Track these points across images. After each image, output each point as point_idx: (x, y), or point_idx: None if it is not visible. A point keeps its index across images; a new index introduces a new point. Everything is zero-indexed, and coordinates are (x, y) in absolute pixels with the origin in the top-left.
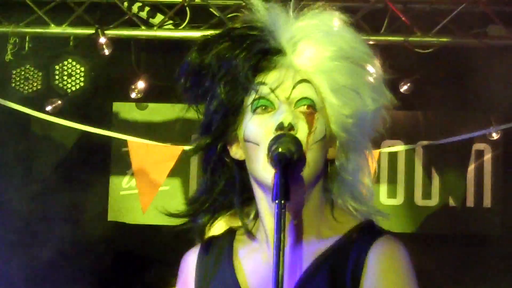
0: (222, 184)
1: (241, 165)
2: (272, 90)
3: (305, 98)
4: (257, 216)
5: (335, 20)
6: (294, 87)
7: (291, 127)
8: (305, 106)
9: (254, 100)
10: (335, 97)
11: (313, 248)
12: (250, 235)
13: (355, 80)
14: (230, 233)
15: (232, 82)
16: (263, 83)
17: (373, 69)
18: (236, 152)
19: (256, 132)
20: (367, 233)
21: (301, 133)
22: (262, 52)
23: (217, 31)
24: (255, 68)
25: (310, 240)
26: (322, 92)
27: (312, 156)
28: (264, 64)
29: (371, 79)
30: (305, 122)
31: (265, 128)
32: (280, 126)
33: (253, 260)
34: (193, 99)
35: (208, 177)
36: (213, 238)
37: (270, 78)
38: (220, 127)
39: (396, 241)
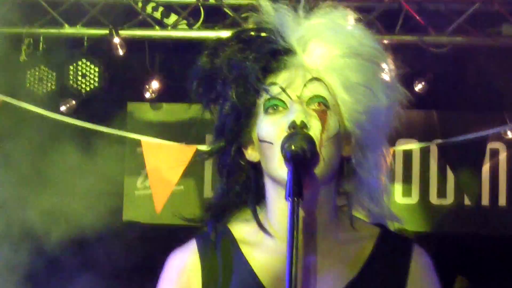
0: (239, 187)
1: (256, 167)
2: (283, 90)
3: (317, 96)
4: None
5: (344, 18)
6: (305, 86)
7: (303, 125)
8: (317, 104)
9: (265, 100)
10: (348, 94)
11: (340, 255)
12: (255, 231)
13: (367, 76)
14: (224, 229)
15: (243, 84)
16: (274, 84)
17: (385, 65)
18: (251, 154)
19: (269, 131)
20: (398, 241)
21: (314, 130)
22: (271, 52)
23: (229, 32)
24: (265, 69)
25: (332, 245)
26: (335, 89)
27: (326, 153)
28: (274, 65)
29: (383, 75)
30: (318, 119)
31: (278, 127)
32: (293, 125)
33: (262, 255)
34: (206, 103)
35: (225, 181)
36: (208, 234)
37: (281, 78)
38: (234, 129)
39: (425, 250)
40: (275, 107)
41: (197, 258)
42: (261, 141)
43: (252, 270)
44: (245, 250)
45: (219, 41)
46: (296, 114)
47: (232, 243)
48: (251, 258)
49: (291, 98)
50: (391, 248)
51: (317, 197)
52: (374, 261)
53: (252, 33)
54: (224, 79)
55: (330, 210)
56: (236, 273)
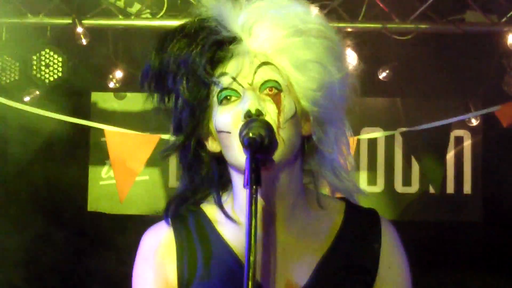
0: (200, 178)
1: (218, 157)
2: (234, 79)
3: (268, 80)
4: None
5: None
6: (255, 72)
7: (259, 113)
8: (269, 89)
9: (218, 92)
10: (300, 73)
11: (313, 232)
12: (228, 217)
13: (316, 53)
14: (197, 210)
15: (193, 78)
16: (224, 74)
17: (332, 39)
18: (211, 145)
19: (226, 121)
20: (364, 213)
21: (270, 115)
22: (216, 43)
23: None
24: (211, 60)
25: (304, 223)
26: (286, 71)
27: (285, 135)
28: (222, 55)
29: (331, 49)
30: (273, 103)
31: (234, 116)
32: (248, 114)
33: (238, 234)
34: (159, 100)
35: (186, 173)
36: (182, 215)
37: (230, 67)
38: (190, 124)
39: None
40: (228, 97)
41: (171, 236)
42: (219, 131)
43: (231, 249)
44: (221, 230)
45: (166, 35)
46: (249, 103)
47: (207, 223)
48: (227, 238)
49: (243, 87)
50: (360, 220)
51: (280, 180)
52: (345, 233)
53: (196, 25)
54: (174, 76)
55: (297, 191)
56: (215, 252)
